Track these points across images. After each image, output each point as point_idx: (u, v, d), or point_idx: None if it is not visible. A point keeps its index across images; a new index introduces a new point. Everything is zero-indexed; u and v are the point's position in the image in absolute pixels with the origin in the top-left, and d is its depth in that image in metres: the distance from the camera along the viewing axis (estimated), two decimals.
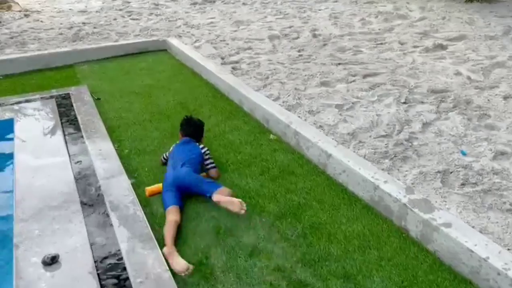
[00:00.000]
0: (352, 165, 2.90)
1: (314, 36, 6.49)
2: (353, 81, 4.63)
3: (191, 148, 3.18)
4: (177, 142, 3.34)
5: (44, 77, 5.48)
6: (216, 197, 2.72)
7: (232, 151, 3.52)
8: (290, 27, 7.11)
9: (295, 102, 4.09)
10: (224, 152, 3.50)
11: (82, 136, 3.64)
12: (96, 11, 9.14)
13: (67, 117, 4.02)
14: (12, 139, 3.64)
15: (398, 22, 7.18)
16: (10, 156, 3.37)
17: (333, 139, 3.32)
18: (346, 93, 4.30)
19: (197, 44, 6.29)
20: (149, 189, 3.00)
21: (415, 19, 7.30)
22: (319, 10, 8.37)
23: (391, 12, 7.89)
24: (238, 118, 4.14)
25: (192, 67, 5.62)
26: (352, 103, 4.03)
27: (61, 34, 7.20)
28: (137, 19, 8.21)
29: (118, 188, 2.87)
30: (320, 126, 3.58)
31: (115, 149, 3.50)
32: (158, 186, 3.00)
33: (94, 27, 7.61)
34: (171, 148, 3.29)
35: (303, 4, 8.94)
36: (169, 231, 2.52)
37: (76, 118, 3.99)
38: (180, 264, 2.31)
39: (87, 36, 6.95)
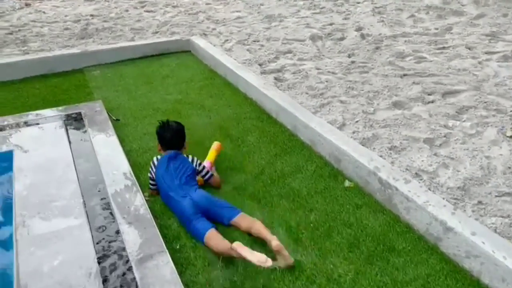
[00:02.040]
0: (489, 250, 2.05)
1: (362, 36, 5.57)
2: (432, 101, 3.74)
3: (183, 164, 2.77)
4: (158, 157, 2.87)
5: (50, 86, 4.60)
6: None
7: (301, 207, 2.66)
8: (330, 24, 6.17)
9: (370, 132, 3.22)
10: (289, 208, 2.65)
11: (102, 181, 2.78)
12: (105, 0, 8.19)
13: (80, 149, 3.16)
14: (10, 183, 2.79)
15: (454, 20, 6.23)
16: (8, 214, 2.52)
17: (443, 198, 2.46)
18: (430, 119, 3.42)
19: (227, 45, 5.38)
20: None
21: (473, 16, 6.35)
22: (358, 3, 7.40)
23: (442, 6, 6.92)
24: (297, 151, 3.27)
25: (225, 75, 4.72)
26: (444, 136, 3.16)
27: (66, 29, 6.28)
28: (152, 11, 7.27)
29: (159, 278, 2.03)
30: (416, 174, 2.71)
31: (145, 200, 2.66)
32: None
33: (104, 21, 6.69)
34: (153, 169, 2.82)
35: None
36: (219, 243, 2.29)
37: (93, 151, 3.13)
38: (256, 255, 2.11)
39: (96, 33, 6.03)
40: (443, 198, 2.45)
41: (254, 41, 5.55)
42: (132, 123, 3.76)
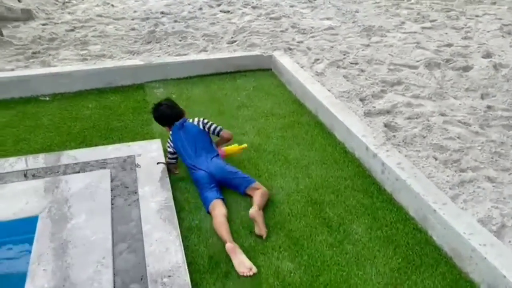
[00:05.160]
0: None
1: (495, 67, 4.27)
2: None
3: (192, 133, 2.86)
4: (169, 136, 2.90)
5: (104, 106, 3.83)
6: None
7: None
8: (448, 45, 4.91)
9: None
10: None
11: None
12: None
13: (125, 225, 2.31)
14: (25, 269, 1.98)
15: None
16: None
17: None
18: None
19: (317, 67, 4.33)
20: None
21: None
22: (477, 17, 6.01)
23: None
24: (432, 266, 2.19)
25: (315, 112, 3.69)
26: None
27: (133, 29, 5.55)
28: (228, 12, 6.37)
29: None
30: None
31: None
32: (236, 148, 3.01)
33: (175, 21, 5.89)
34: (171, 144, 2.86)
35: (449, 5, 6.57)
36: (223, 226, 2.33)
37: (140, 231, 2.26)
38: (244, 263, 2.14)
39: (165, 37, 5.22)
40: None
41: (352, 63, 4.45)
42: None
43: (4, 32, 5.09)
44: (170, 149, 2.86)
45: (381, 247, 2.29)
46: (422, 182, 2.56)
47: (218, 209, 2.45)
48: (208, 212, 2.50)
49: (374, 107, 3.57)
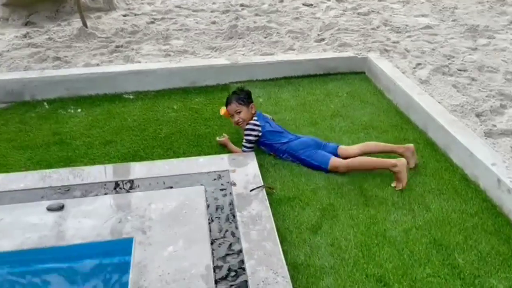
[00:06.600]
0: None
1: None
2: None
3: (268, 118, 3.11)
4: (254, 120, 2.94)
5: (189, 109, 3.63)
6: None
7: None
8: None
9: None
10: None
11: None
12: None
13: (224, 253, 2.07)
14: None
15: None
16: None
17: None
18: None
19: (420, 73, 3.86)
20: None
21: None
22: None
23: None
24: None
25: (424, 128, 3.25)
26: None
27: (213, 23, 5.33)
28: (311, 5, 5.98)
29: None
30: None
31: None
32: None
33: (256, 14, 5.60)
34: (259, 129, 2.89)
35: None
36: (369, 159, 2.71)
37: (240, 262, 2.01)
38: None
39: (247, 33, 4.94)
40: None
41: (460, 70, 3.93)
42: (294, 200, 2.55)
43: (88, 23, 5.05)
44: (255, 133, 2.86)
45: None
46: None
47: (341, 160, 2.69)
48: (327, 171, 2.70)
49: (494, 125, 3.08)
